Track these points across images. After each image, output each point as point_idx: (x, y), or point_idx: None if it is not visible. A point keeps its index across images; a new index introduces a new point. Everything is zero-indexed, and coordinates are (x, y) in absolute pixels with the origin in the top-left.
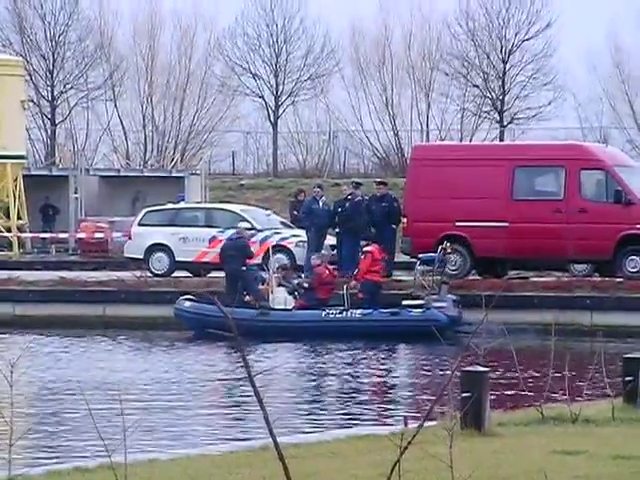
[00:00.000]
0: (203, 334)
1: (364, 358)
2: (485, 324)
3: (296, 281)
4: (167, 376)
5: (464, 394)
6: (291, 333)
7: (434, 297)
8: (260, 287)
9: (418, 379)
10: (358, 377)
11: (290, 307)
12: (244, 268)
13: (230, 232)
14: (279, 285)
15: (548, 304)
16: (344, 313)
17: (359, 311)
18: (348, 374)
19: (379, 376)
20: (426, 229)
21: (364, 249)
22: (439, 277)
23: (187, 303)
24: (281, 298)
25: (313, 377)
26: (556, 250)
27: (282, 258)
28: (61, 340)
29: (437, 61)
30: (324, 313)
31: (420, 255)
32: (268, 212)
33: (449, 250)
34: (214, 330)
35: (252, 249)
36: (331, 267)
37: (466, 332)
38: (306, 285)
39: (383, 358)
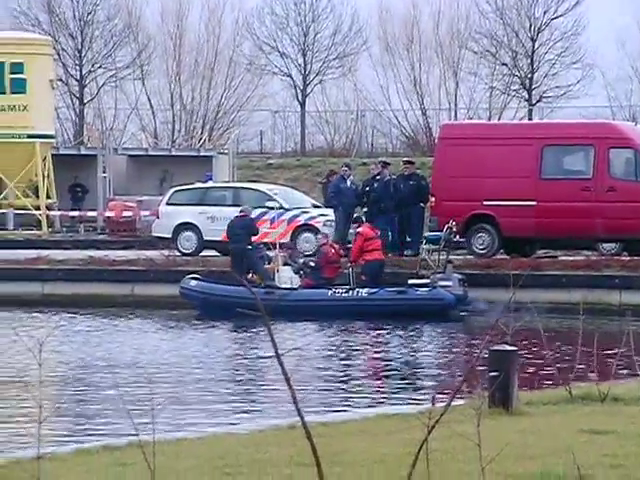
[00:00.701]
0: (208, 313)
1: (391, 337)
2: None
3: (302, 260)
4: (196, 354)
5: (492, 373)
6: (297, 312)
7: (440, 276)
8: (266, 266)
9: (446, 358)
10: (385, 356)
11: (296, 286)
12: (249, 247)
13: (257, 211)
14: (285, 264)
15: (576, 283)
16: (350, 292)
17: (365, 290)
18: (377, 353)
19: (406, 355)
20: (454, 208)
21: (356, 230)
22: (444, 256)
23: (193, 282)
24: (287, 277)
25: (341, 356)
26: (584, 229)
27: (310, 237)
28: (89, 319)
29: (465, 39)
30: (330, 292)
31: (426, 234)
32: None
33: (455, 229)
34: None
35: (258, 228)
36: (336, 246)
37: (471, 311)
38: (312, 264)
39: (410, 337)
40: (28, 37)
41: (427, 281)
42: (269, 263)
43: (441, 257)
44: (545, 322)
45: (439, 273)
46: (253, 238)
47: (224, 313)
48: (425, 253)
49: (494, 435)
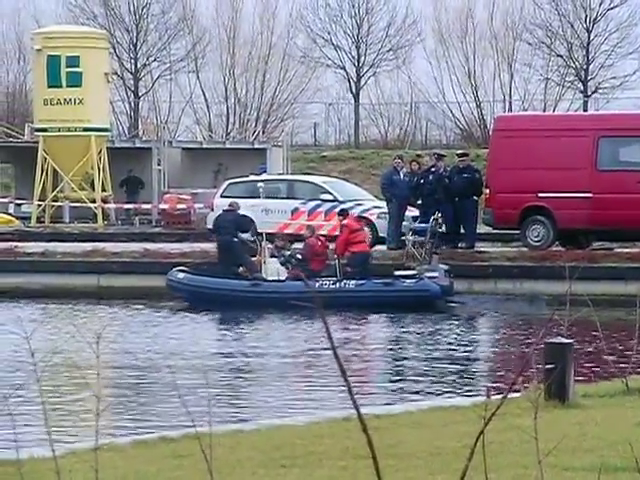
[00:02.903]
0: (196, 305)
1: (439, 329)
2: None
3: (288, 252)
4: (252, 347)
5: (548, 365)
6: (284, 304)
7: (426, 267)
8: (252, 258)
9: (500, 350)
10: (437, 348)
11: (283, 278)
12: (235, 239)
13: (311, 204)
14: (272, 256)
15: (633, 275)
16: (337, 284)
17: (353, 282)
18: (427, 345)
19: (458, 347)
20: (508, 200)
21: (342, 223)
22: (429, 247)
23: (180, 274)
24: (274, 269)
25: (393, 348)
26: None
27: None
28: (145, 311)
29: (520, 31)
30: (317, 284)
31: (412, 226)
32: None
33: (440, 221)
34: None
35: (247, 221)
36: (322, 238)
37: (457, 302)
38: (299, 256)
39: (459, 328)
40: (84, 31)
41: (413, 272)
42: (255, 256)
43: (426, 248)
44: (600, 314)
45: (425, 264)
46: (247, 235)
47: (211, 305)
48: (410, 245)
49: (551, 428)
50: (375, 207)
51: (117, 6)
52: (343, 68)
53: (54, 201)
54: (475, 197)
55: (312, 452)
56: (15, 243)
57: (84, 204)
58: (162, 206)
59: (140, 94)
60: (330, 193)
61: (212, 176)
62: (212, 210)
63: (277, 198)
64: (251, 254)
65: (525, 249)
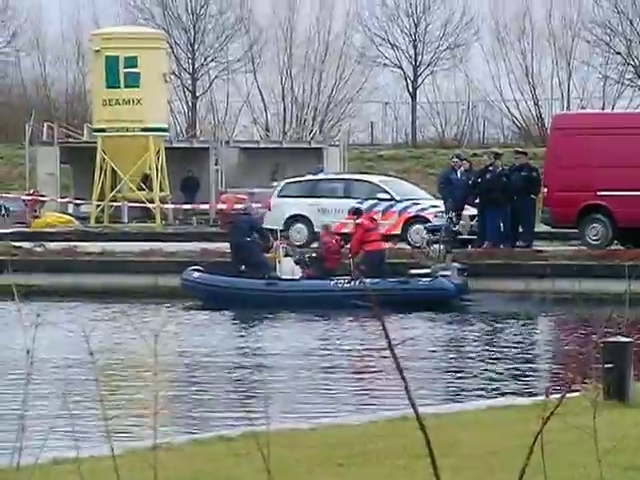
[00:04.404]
0: (211, 304)
1: (499, 328)
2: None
3: (302, 250)
4: (312, 346)
5: (607, 365)
6: (299, 303)
7: (440, 266)
8: (266, 256)
9: (558, 349)
10: (495, 347)
11: (298, 277)
12: (248, 239)
13: (368, 203)
14: (286, 255)
15: None
16: (352, 282)
17: (367, 280)
18: (485, 344)
19: (517, 346)
20: (567, 199)
21: (356, 222)
22: (445, 246)
23: (195, 274)
24: (288, 268)
25: (450, 346)
26: None
27: (421, 229)
28: (202, 310)
29: (579, 29)
30: (332, 283)
31: (427, 224)
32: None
33: (454, 219)
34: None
35: (261, 224)
36: (337, 237)
37: (471, 300)
38: (314, 255)
39: (519, 327)
40: (142, 31)
41: (428, 271)
42: (268, 250)
43: (441, 247)
44: None
45: (440, 263)
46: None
47: (227, 304)
48: (425, 243)
49: (610, 428)
50: (432, 206)
51: (175, 6)
52: (400, 67)
53: (112, 201)
54: (533, 196)
55: (369, 451)
56: (74, 243)
57: (142, 204)
58: (219, 206)
59: (198, 94)
60: (387, 192)
61: (269, 176)
62: (269, 210)
63: (334, 197)
64: (265, 249)
65: (584, 248)
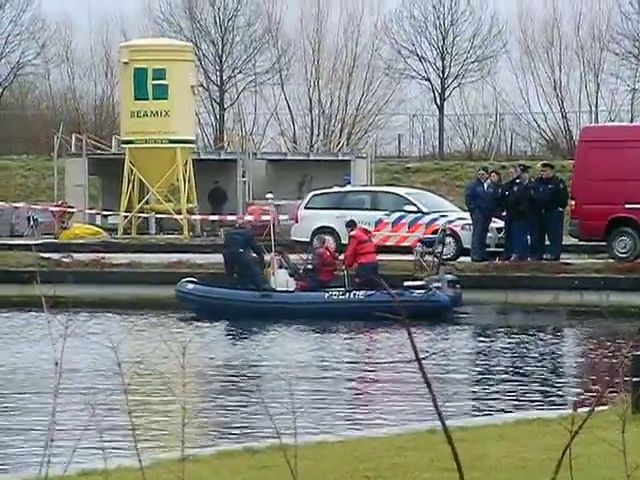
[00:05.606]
0: (206, 315)
1: (526, 340)
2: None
3: (296, 261)
4: (340, 357)
5: (635, 378)
6: (294, 315)
7: (434, 278)
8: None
9: (585, 362)
10: (523, 359)
11: (292, 289)
12: (241, 250)
13: (395, 215)
14: (280, 267)
15: None
16: (347, 294)
17: (362, 292)
18: (512, 356)
19: (543, 359)
20: (595, 212)
21: (349, 234)
22: (437, 258)
23: (190, 285)
24: (282, 280)
25: (479, 359)
26: None
27: (449, 241)
28: (229, 321)
29: (607, 41)
30: (327, 294)
31: (421, 237)
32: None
33: (448, 232)
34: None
35: (256, 241)
36: (331, 249)
37: (464, 312)
38: (309, 267)
39: (545, 340)
40: (170, 43)
41: (422, 283)
42: (264, 267)
43: (434, 259)
44: None
45: (433, 275)
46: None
47: (220, 316)
48: (419, 255)
49: (638, 441)
50: (459, 218)
51: (203, 19)
52: (428, 79)
53: (140, 212)
54: (560, 208)
55: (397, 464)
56: (102, 254)
57: (170, 216)
58: (247, 217)
59: (225, 106)
60: (414, 204)
61: (296, 187)
62: (296, 221)
63: (361, 210)
64: (261, 266)
65: (612, 261)
